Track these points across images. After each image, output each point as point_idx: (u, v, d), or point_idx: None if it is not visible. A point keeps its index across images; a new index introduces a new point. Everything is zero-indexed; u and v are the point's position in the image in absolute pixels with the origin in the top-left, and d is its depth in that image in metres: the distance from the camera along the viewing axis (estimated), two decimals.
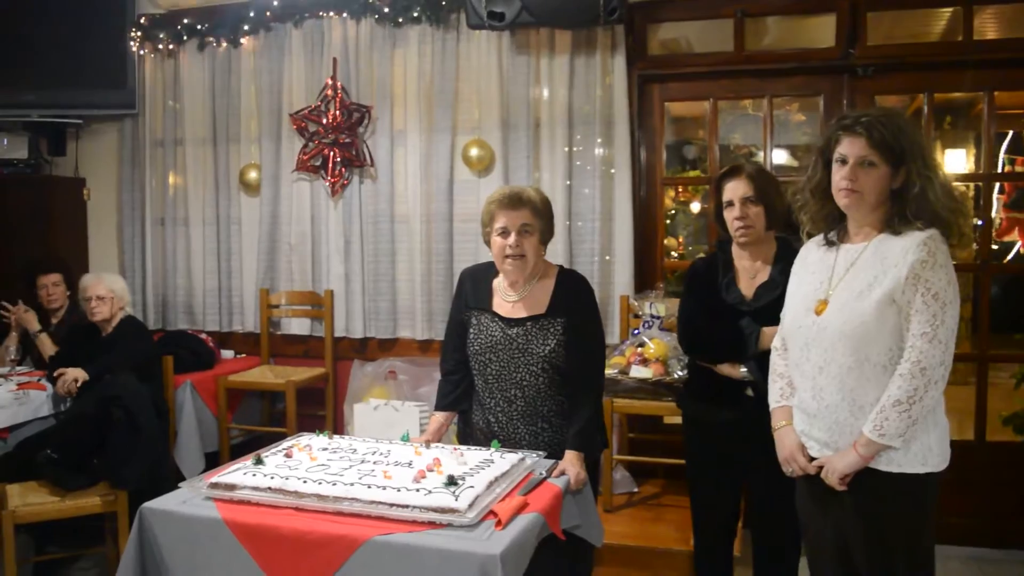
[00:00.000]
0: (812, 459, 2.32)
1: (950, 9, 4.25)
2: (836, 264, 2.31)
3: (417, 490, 2.14)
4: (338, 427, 4.85)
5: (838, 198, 2.25)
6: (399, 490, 2.15)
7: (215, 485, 2.28)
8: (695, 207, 6.76)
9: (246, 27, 4.92)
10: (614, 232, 4.45)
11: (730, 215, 2.81)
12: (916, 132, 2.23)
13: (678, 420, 4.23)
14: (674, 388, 3.88)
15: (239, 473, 2.31)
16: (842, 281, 2.26)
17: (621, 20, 4.12)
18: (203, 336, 4.99)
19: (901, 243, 2.17)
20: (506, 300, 2.77)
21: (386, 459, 2.46)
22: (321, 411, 4.92)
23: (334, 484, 2.20)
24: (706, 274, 2.91)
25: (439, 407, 2.88)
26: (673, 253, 6.16)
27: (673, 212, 6.35)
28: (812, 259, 2.41)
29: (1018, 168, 7.41)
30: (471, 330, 2.79)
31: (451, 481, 2.18)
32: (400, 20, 4.64)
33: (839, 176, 2.24)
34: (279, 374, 4.77)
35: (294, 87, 4.91)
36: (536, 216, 2.67)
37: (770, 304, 2.67)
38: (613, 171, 4.43)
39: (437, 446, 2.62)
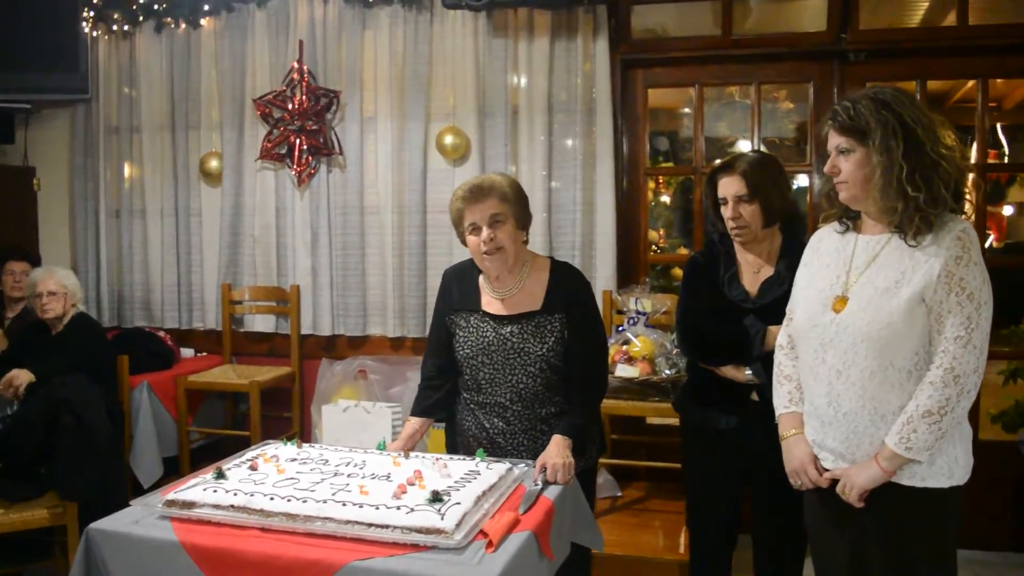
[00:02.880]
0: (824, 471, 2.14)
1: None
2: (854, 256, 2.13)
3: (398, 508, 1.94)
4: (305, 429, 4.63)
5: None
6: (378, 508, 1.94)
7: (171, 503, 2.05)
8: (664, 199, 6.61)
9: (206, 7, 4.65)
10: (596, 224, 4.29)
11: (725, 213, 2.65)
12: (902, 105, 2.02)
13: (661, 420, 4.13)
14: (662, 388, 3.74)
15: (198, 489, 2.08)
16: (863, 276, 2.08)
17: (604, 0, 3.93)
18: (161, 334, 4.75)
19: (931, 236, 1.99)
20: (495, 297, 2.59)
21: (361, 471, 2.25)
22: (287, 413, 4.70)
23: (305, 501, 1.98)
24: (706, 269, 2.73)
25: (416, 412, 2.69)
26: (654, 247, 6.00)
27: (652, 204, 6.20)
28: (826, 248, 2.23)
29: (991, 160, 7.37)
30: (460, 332, 2.61)
31: (435, 497, 1.97)
32: (370, 0, 4.41)
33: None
34: (242, 374, 4.54)
35: (257, 71, 4.68)
36: (505, 202, 2.49)
37: (776, 301, 2.50)
38: (594, 160, 4.26)
39: (417, 455, 2.41)
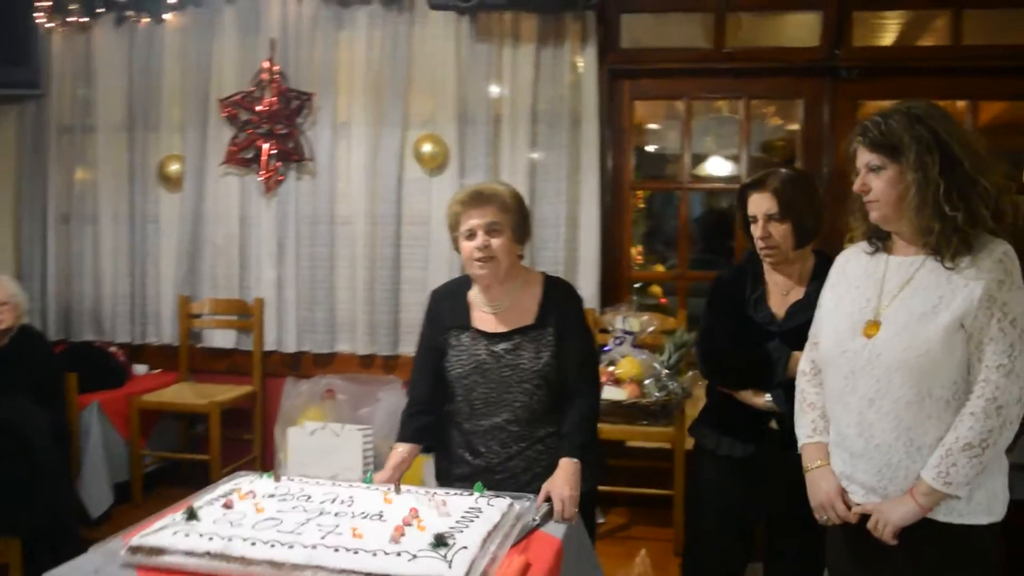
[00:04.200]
0: (853, 505, 1.99)
1: (937, 12, 4.06)
2: (886, 279, 1.99)
3: (398, 554, 1.72)
4: (268, 453, 4.39)
5: None
6: (375, 554, 1.71)
7: (136, 549, 1.79)
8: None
9: (172, 1, 4.39)
10: (579, 239, 4.16)
11: (754, 232, 2.50)
12: (936, 120, 1.90)
13: (641, 444, 3.98)
14: (651, 411, 3.58)
15: (167, 532, 1.83)
16: (896, 299, 1.94)
17: (593, 6, 3.80)
18: (112, 349, 4.47)
19: (969, 259, 1.86)
20: (487, 313, 2.45)
21: (350, 509, 2.02)
22: (248, 435, 4.46)
23: (291, 547, 1.75)
24: (733, 288, 2.58)
25: (404, 437, 2.49)
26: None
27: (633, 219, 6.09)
28: (854, 270, 2.09)
29: None
30: (451, 352, 2.45)
31: (439, 541, 1.76)
32: None
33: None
34: (200, 393, 4.29)
35: (225, 70, 4.46)
36: (504, 212, 2.39)
37: (803, 325, 2.35)
38: (579, 174, 4.12)
39: (409, 490, 2.19)
